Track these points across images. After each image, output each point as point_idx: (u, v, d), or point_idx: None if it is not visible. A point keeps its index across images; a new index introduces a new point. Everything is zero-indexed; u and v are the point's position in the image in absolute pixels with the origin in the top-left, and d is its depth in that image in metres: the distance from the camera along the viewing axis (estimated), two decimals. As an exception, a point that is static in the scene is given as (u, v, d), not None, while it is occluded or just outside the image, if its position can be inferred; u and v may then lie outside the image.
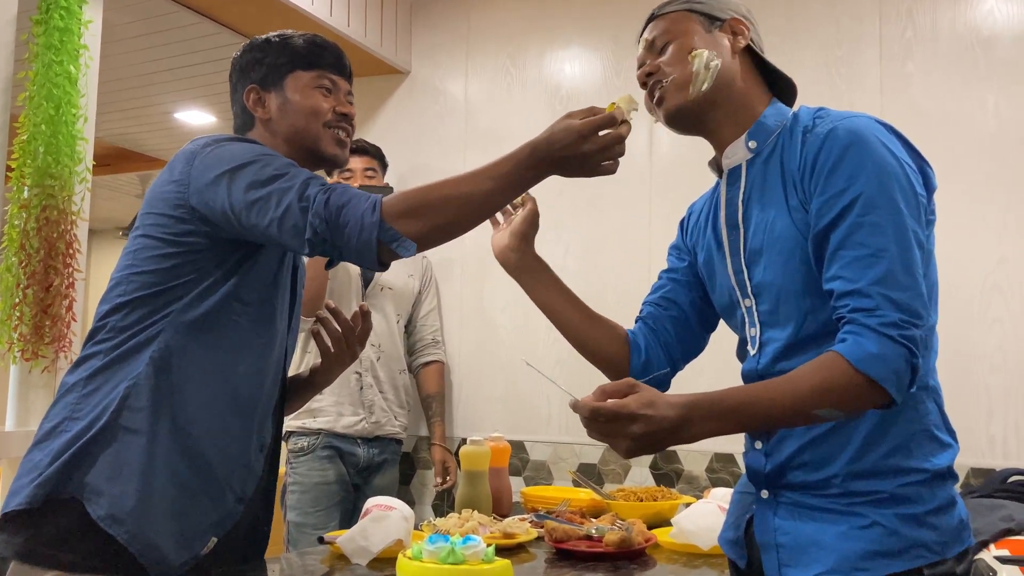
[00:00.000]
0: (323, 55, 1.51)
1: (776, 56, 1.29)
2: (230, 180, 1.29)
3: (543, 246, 3.00)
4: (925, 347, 1.05)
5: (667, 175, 2.74)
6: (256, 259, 1.39)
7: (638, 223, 2.76)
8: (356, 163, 2.74)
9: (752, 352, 1.22)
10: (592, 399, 1.02)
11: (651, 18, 1.29)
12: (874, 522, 1.07)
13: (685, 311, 1.41)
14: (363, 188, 2.60)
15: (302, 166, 1.33)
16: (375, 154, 2.79)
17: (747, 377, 1.22)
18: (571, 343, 1.45)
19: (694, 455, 2.59)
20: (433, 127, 3.11)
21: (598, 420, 1.01)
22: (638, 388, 1.02)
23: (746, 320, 1.23)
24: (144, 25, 2.98)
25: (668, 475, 2.62)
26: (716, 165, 1.29)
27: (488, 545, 1.32)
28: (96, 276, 7.12)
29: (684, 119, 1.24)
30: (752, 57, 1.25)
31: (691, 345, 1.43)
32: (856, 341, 1.03)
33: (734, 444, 2.58)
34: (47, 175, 2.03)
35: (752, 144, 1.22)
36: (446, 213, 1.23)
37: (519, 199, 1.41)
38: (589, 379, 2.86)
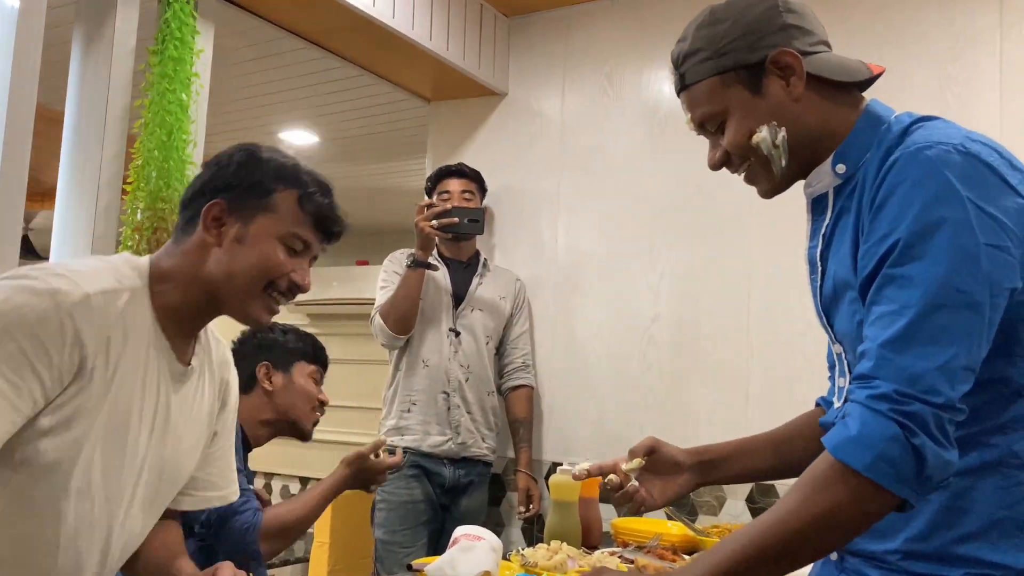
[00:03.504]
0: None
1: (886, 75, 1.18)
2: None
3: (636, 269, 2.93)
4: (942, 431, 0.85)
5: (771, 200, 2.64)
6: None
7: (737, 247, 2.68)
8: (455, 185, 2.77)
9: (837, 404, 1.09)
10: None
11: (680, 88, 1.12)
12: None
13: None
14: (457, 209, 2.61)
15: None
16: (473, 177, 2.82)
17: (823, 428, 1.13)
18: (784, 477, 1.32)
19: (793, 490, 2.49)
20: (529, 148, 3.11)
21: None
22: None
23: (837, 367, 1.10)
24: (252, 50, 3.09)
25: (765, 510, 2.53)
26: None
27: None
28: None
29: (782, 191, 1.13)
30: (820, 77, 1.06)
31: None
32: (843, 422, 0.88)
33: (836, 480, 2.47)
34: (159, 199, 2.12)
35: (840, 168, 1.05)
36: None
37: (620, 477, 1.25)
38: (682, 406, 2.77)
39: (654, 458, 1.27)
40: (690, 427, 2.68)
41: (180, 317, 1.21)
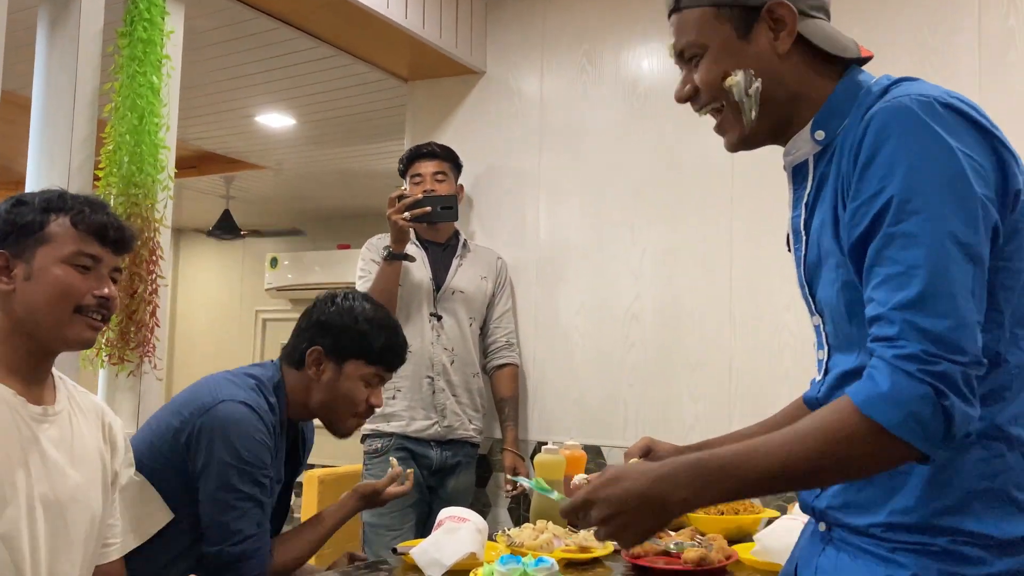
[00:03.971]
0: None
1: (864, 44, 1.16)
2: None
3: (617, 247, 2.94)
4: (970, 388, 0.86)
5: (750, 176, 2.65)
6: None
7: (718, 227, 2.67)
8: (426, 167, 2.73)
9: (818, 378, 1.09)
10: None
11: (673, 9, 1.10)
12: (915, 574, 0.92)
13: None
14: (428, 198, 2.57)
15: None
16: (445, 156, 2.78)
17: (806, 403, 1.12)
18: None
19: (777, 464, 2.50)
20: (508, 127, 3.08)
21: (576, 518, 0.98)
22: (605, 472, 0.97)
23: (816, 340, 1.09)
24: (226, 32, 3.03)
25: (750, 484, 2.54)
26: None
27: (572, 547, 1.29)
28: (184, 275, 7.34)
29: (749, 147, 1.11)
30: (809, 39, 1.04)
31: None
32: (869, 377, 0.88)
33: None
34: (131, 183, 2.08)
35: (820, 135, 1.04)
36: None
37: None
38: (666, 384, 2.77)
39: (650, 458, 1.27)
40: (673, 405, 2.69)
41: (13, 367, 1.27)
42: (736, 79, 1.04)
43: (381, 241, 2.66)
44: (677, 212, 2.75)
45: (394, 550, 1.71)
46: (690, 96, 1.11)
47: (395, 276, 2.56)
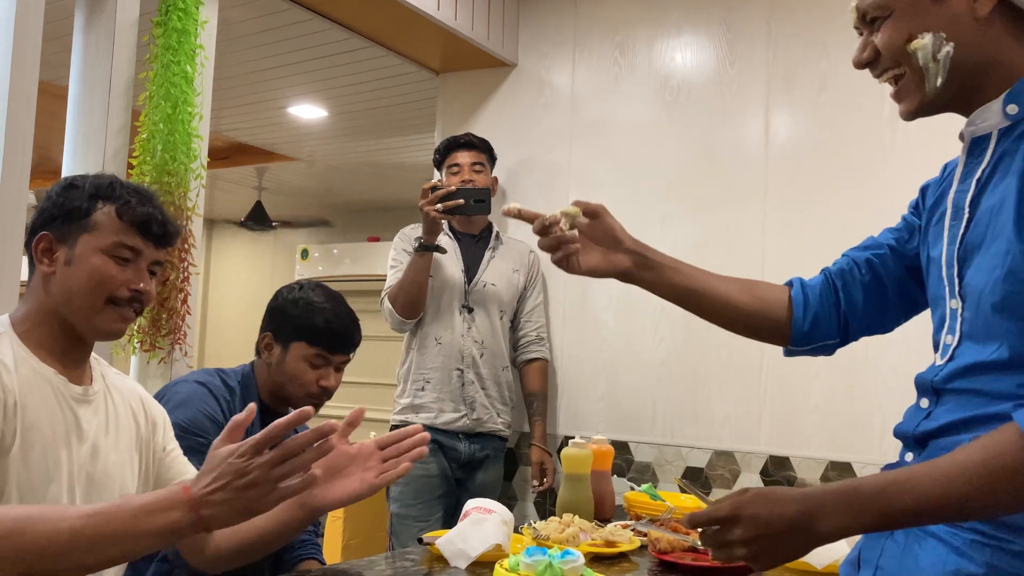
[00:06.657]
0: None
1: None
2: None
3: (648, 241, 2.91)
4: None
5: (784, 169, 2.61)
6: None
7: (751, 220, 2.64)
8: (464, 157, 2.73)
9: (939, 361, 1.02)
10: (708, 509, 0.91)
11: None
12: (985, 573, 0.88)
13: (884, 283, 1.19)
14: (461, 191, 2.55)
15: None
16: (482, 147, 2.78)
17: (917, 385, 1.06)
18: (724, 325, 1.36)
19: (808, 462, 2.47)
20: (539, 120, 3.07)
21: (705, 530, 0.92)
22: (748, 491, 0.91)
23: (946, 323, 1.02)
24: (258, 23, 3.05)
25: (780, 483, 2.51)
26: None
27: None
28: (216, 265, 7.41)
29: (926, 114, 1.04)
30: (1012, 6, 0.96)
31: (876, 321, 1.23)
32: None
33: (852, 452, 2.45)
34: (165, 172, 2.10)
35: (1012, 109, 0.95)
36: None
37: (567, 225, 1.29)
38: (695, 380, 2.75)
39: (596, 224, 1.31)
40: (702, 401, 2.66)
41: (52, 349, 1.28)
42: (923, 42, 0.97)
43: (414, 231, 2.66)
44: (709, 205, 2.72)
45: (420, 540, 1.70)
46: (869, 61, 1.04)
47: (425, 267, 2.56)
